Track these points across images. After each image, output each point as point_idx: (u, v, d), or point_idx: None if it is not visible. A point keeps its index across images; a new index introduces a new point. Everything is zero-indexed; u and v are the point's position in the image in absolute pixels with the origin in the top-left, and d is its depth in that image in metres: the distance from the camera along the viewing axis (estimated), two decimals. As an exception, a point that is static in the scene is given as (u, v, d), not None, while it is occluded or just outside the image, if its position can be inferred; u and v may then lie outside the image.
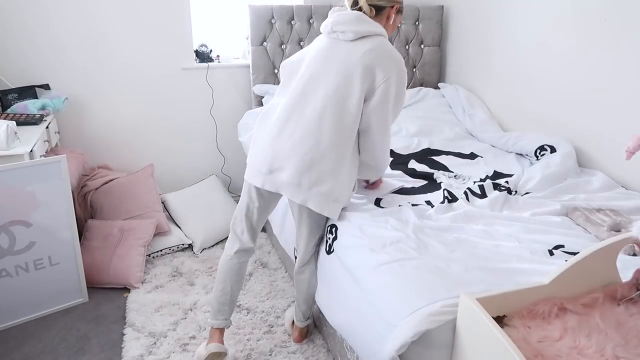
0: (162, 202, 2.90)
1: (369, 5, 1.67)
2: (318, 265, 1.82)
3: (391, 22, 1.74)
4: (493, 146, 2.68)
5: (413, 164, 2.38)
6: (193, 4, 2.98)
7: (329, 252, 1.71)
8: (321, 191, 1.65)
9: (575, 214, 1.85)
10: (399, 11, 1.75)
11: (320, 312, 1.94)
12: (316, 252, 1.84)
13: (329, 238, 1.74)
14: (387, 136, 1.76)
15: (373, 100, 1.65)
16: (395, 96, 1.67)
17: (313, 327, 2.13)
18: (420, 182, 2.18)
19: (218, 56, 3.14)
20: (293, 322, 2.05)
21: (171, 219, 2.91)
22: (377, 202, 1.93)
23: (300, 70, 1.74)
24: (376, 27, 1.66)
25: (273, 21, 2.98)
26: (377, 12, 1.69)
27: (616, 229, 1.70)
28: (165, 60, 2.97)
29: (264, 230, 2.97)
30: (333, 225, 1.75)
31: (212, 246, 2.84)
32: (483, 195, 2.02)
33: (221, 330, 1.87)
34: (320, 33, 1.77)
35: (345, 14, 1.67)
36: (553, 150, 2.33)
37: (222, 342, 1.86)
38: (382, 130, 1.71)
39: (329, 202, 1.67)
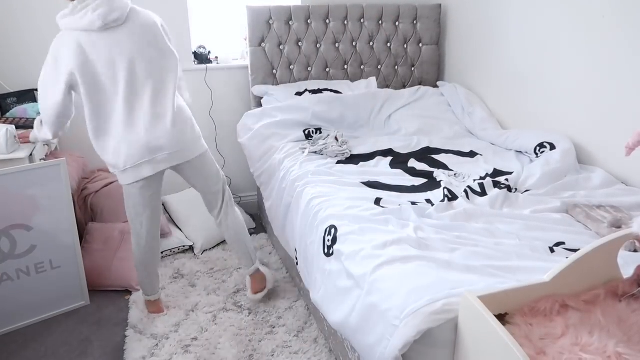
0: (163, 204, 2.90)
1: None
2: (315, 267, 1.82)
3: None
4: (492, 144, 2.68)
5: (413, 163, 2.38)
6: (191, 5, 2.98)
7: (328, 254, 1.71)
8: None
9: (576, 211, 1.85)
10: None
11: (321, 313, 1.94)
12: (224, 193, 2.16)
13: (328, 239, 1.74)
14: None
15: None
16: None
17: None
18: (420, 181, 2.18)
19: (216, 57, 3.14)
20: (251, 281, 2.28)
21: (172, 220, 2.91)
22: (377, 201, 1.93)
23: (103, 77, 1.84)
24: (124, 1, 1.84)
25: (271, 22, 2.98)
26: None
27: (617, 225, 1.70)
28: (164, 62, 2.97)
29: (264, 231, 2.97)
30: (332, 226, 1.75)
31: (213, 247, 2.84)
32: (483, 193, 2.02)
33: (157, 300, 2.23)
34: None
35: (103, 4, 1.76)
36: (553, 147, 2.33)
37: (160, 308, 2.23)
38: None
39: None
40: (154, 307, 2.23)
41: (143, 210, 1.99)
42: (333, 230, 1.73)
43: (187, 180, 2.12)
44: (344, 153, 2.42)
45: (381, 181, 2.15)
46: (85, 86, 1.83)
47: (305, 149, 2.45)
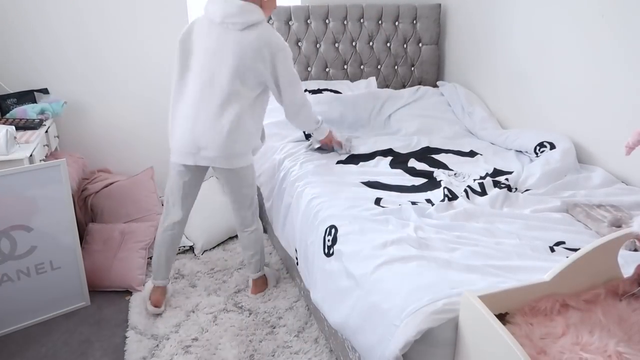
0: (163, 205, 2.90)
1: None
2: (316, 267, 1.82)
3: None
4: (492, 144, 2.68)
5: (413, 163, 2.38)
6: (191, 6, 2.98)
7: (328, 254, 1.71)
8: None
9: (576, 210, 1.85)
10: None
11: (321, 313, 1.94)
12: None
13: (328, 239, 1.74)
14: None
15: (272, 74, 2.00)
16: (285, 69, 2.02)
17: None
18: (420, 181, 2.18)
19: (216, 58, 3.14)
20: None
21: (172, 221, 2.90)
22: (377, 201, 1.93)
23: (197, 56, 2.02)
24: (256, 14, 1.96)
25: (271, 22, 2.98)
26: None
27: (617, 224, 1.70)
28: (164, 62, 2.97)
29: (264, 231, 2.97)
30: (332, 226, 1.75)
31: (213, 248, 2.84)
32: (483, 192, 2.02)
33: (162, 289, 2.26)
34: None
35: (232, 5, 1.94)
36: (552, 146, 2.33)
37: (160, 301, 2.23)
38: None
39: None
40: (155, 294, 2.24)
41: (176, 192, 2.17)
42: (333, 230, 1.73)
43: (223, 186, 2.34)
44: (349, 149, 2.49)
45: (381, 181, 2.15)
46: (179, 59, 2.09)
47: (311, 144, 2.50)
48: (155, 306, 2.21)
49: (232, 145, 2.00)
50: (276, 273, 2.49)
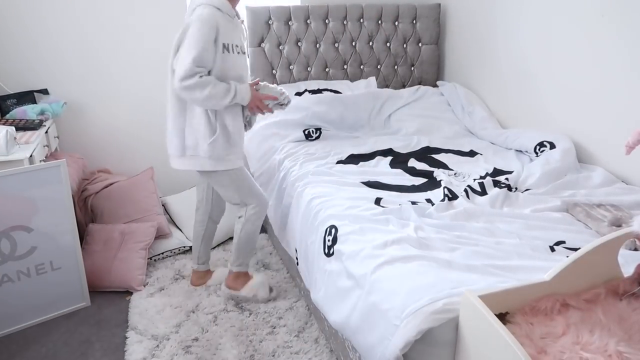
0: (163, 205, 2.90)
1: None
2: (316, 267, 1.82)
3: None
4: (492, 143, 2.68)
5: (413, 163, 2.39)
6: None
7: (328, 254, 1.71)
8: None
9: (576, 210, 1.85)
10: None
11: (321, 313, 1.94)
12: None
13: (328, 239, 1.74)
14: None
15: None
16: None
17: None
18: (420, 180, 2.18)
19: (216, 58, 3.14)
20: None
21: (172, 221, 2.91)
22: (378, 201, 1.93)
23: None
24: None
25: (270, 22, 2.98)
26: None
27: (617, 224, 1.70)
28: (164, 63, 2.96)
29: (264, 231, 2.97)
30: (332, 226, 1.75)
31: (214, 248, 2.83)
32: (483, 192, 2.02)
33: (196, 272, 2.42)
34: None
35: None
36: (552, 146, 2.33)
37: (196, 282, 2.42)
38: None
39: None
40: (194, 276, 2.42)
41: (202, 191, 2.30)
42: (333, 230, 1.73)
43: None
44: (286, 99, 2.17)
45: (381, 181, 2.15)
46: None
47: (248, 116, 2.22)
48: (194, 285, 2.41)
49: (169, 144, 2.07)
50: (266, 279, 2.33)
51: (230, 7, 1.98)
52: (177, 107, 2.01)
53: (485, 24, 2.92)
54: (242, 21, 2.11)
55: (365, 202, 1.91)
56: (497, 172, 2.26)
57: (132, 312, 2.25)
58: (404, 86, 3.29)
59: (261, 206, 2.17)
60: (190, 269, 2.53)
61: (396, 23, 3.19)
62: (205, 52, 1.87)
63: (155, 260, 2.67)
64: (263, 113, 2.11)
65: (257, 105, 2.05)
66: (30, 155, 2.10)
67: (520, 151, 2.52)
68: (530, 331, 1.14)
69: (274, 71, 3.06)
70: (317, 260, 1.80)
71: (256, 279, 2.29)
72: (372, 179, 2.17)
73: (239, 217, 2.18)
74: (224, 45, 1.92)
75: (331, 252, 1.69)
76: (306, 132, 2.67)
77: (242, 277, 2.28)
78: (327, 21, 3.08)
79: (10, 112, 2.49)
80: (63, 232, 2.16)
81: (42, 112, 2.50)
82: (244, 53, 2.09)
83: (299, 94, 2.93)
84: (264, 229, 3.04)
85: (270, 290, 2.32)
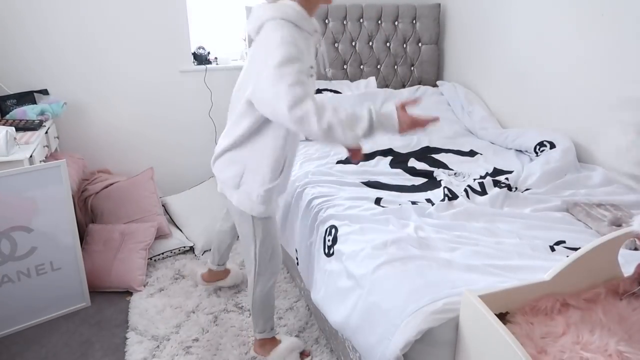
0: (163, 205, 2.90)
1: None
2: (316, 267, 1.82)
3: None
4: (492, 143, 2.68)
5: (413, 163, 2.39)
6: (190, 6, 2.98)
7: (328, 254, 1.71)
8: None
9: (576, 210, 1.85)
10: None
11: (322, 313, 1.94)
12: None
13: (328, 239, 1.74)
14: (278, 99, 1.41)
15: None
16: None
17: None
18: (420, 180, 2.18)
19: (216, 58, 3.14)
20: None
21: (172, 221, 2.91)
22: (378, 201, 1.93)
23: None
24: (261, 13, 1.48)
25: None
26: None
27: (617, 223, 1.70)
28: (164, 63, 2.97)
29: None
30: (333, 226, 1.75)
31: (214, 248, 2.84)
32: (483, 192, 2.02)
33: (212, 272, 2.34)
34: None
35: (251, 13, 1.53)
36: (552, 146, 2.33)
37: (207, 279, 2.35)
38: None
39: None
40: (208, 274, 2.36)
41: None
42: (333, 230, 1.73)
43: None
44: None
45: (381, 181, 2.15)
46: None
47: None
48: (205, 280, 2.35)
49: (219, 172, 1.72)
50: (295, 343, 1.97)
51: (308, 18, 1.51)
52: (244, 139, 1.61)
53: (485, 23, 2.92)
54: (316, 31, 1.60)
55: (365, 202, 1.91)
56: (497, 171, 2.26)
57: (132, 313, 2.25)
58: (403, 86, 3.29)
59: (272, 264, 1.82)
60: (190, 269, 2.53)
61: (396, 23, 3.19)
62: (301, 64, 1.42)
63: (155, 260, 2.67)
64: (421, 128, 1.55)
65: (415, 122, 1.50)
66: (30, 156, 2.10)
67: (520, 151, 2.52)
68: (531, 331, 1.14)
69: (273, 71, 3.06)
70: (317, 260, 1.80)
71: (284, 344, 1.95)
72: (372, 178, 2.17)
73: (249, 275, 1.84)
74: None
75: (331, 252, 1.69)
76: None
77: (268, 343, 1.94)
78: (327, 21, 3.08)
79: (10, 113, 2.49)
80: (63, 232, 2.16)
81: (42, 113, 2.50)
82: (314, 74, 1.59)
83: None
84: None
85: (306, 354, 1.99)
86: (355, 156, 1.65)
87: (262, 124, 1.56)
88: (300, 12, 1.47)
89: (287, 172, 1.69)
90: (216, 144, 3.16)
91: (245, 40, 3.06)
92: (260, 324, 1.91)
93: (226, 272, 2.39)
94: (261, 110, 1.49)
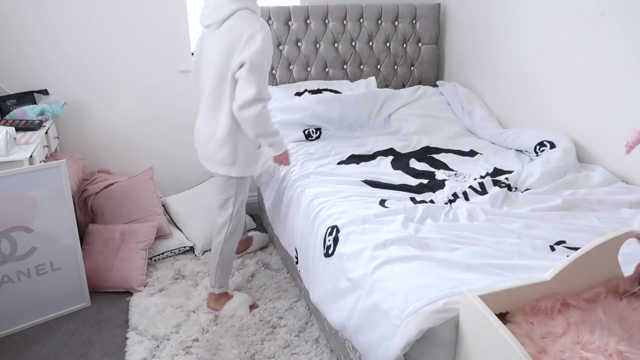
0: (163, 205, 2.90)
1: None
2: (316, 267, 1.81)
3: None
4: (492, 143, 2.68)
5: (413, 163, 2.38)
6: (190, 6, 2.98)
7: (328, 254, 1.71)
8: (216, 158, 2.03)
9: None
10: None
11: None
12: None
13: (329, 239, 1.74)
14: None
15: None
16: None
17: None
18: (420, 181, 2.18)
19: (216, 58, 3.13)
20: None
21: (172, 221, 2.91)
22: (378, 201, 1.93)
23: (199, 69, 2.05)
24: (226, 6, 1.84)
25: (270, 22, 2.98)
26: None
27: None
28: (163, 63, 2.97)
29: (265, 231, 2.97)
30: (333, 227, 1.75)
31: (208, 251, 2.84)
32: (483, 192, 2.02)
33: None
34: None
35: (208, 4, 1.91)
36: (552, 146, 2.33)
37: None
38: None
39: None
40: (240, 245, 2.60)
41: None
42: (334, 231, 1.73)
43: None
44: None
45: (382, 181, 2.15)
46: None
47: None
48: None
49: (218, 153, 2.04)
50: (246, 297, 2.29)
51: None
52: (229, 120, 1.93)
53: (485, 23, 2.92)
54: None
55: (365, 202, 1.91)
56: (497, 171, 2.26)
57: (133, 313, 2.25)
58: (403, 86, 3.29)
59: (240, 223, 2.19)
60: (190, 269, 2.54)
61: (396, 23, 3.19)
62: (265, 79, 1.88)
63: (155, 260, 2.68)
64: (285, 165, 2.18)
65: (286, 159, 2.11)
66: (30, 156, 2.10)
67: (521, 151, 2.52)
68: (531, 331, 1.14)
69: (273, 71, 3.06)
70: (318, 260, 1.80)
71: (237, 298, 2.25)
72: (373, 178, 2.17)
73: (218, 236, 2.16)
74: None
75: (331, 252, 1.69)
76: (306, 132, 2.67)
77: (223, 297, 2.26)
78: (326, 21, 3.08)
79: (10, 113, 2.49)
80: (63, 232, 2.16)
81: (42, 113, 2.50)
82: None
83: (298, 94, 2.93)
84: (264, 229, 3.05)
85: (255, 307, 2.28)
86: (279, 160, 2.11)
87: None
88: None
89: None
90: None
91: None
92: (221, 279, 2.22)
93: (249, 239, 2.69)
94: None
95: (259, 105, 1.83)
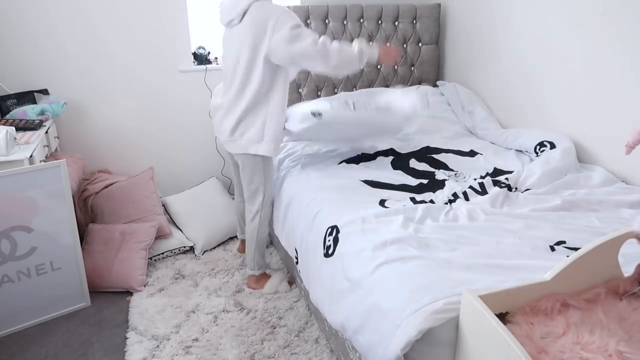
0: (163, 205, 2.90)
1: None
2: (316, 267, 1.82)
3: None
4: (492, 143, 2.68)
5: (413, 163, 2.38)
6: (190, 6, 2.98)
7: (328, 254, 1.71)
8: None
9: None
10: None
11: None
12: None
13: (329, 240, 1.74)
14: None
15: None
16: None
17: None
18: (421, 181, 2.18)
19: (216, 58, 3.14)
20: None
21: (172, 221, 2.91)
22: (378, 201, 1.93)
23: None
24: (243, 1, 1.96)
25: (270, 22, 2.98)
26: None
27: None
28: (164, 64, 2.97)
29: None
30: (333, 227, 1.75)
31: (214, 248, 2.84)
32: (483, 192, 2.02)
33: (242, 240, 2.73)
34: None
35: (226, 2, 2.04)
36: (553, 146, 2.33)
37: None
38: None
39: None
40: (241, 246, 2.75)
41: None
42: (334, 231, 1.73)
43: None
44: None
45: (382, 181, 2.15)
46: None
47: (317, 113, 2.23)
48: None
49: (225, 129, 2.16)
50: (283, 274, 2.49)
51: None
52: (258, 96, 2.04)
53: (485, 24, 2.92)
54: None
55: (366, 202, 1.91)
56: (497, 172, 2.26)
57: (133, 312, 2.25)
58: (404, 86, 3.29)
59: (269, 206, 2.30)
60: (190, 269, 2.53)
61: (396, 23, 3.19)
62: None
63: (155, 260, 2.68)
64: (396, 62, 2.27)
65: (392, 52, 2.19)
66: (30, 156, 2.10)
67: (521, 151, 2.52)
68: (531, 331, 1.14)
69: (274, 71, 3.06)
70: (317, 260, 1.80)
71: (276, 277, 2.43)
72: (373, 178, 2.17)
73: (252, 222, 2.28)
74: None
75: (331, 252, 1.70)
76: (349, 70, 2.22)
77: (263, 278, 2.41)
78: (327, 21, 3.08)
79: (10, 113, 2.49)
80: (63, 232, 2.16)
81: (42, 113, 2.50)
82: None
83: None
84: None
85: (291, 283, 2.44)
86: (387, 57, 2.19)
87: (273, 76, 2.03)
88: None
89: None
90: (216, 144, 3.18)
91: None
92: (260, 261, 2.36)
93: None
94: (282, 60, 1.97)
95: (319, 42, 1.93)
